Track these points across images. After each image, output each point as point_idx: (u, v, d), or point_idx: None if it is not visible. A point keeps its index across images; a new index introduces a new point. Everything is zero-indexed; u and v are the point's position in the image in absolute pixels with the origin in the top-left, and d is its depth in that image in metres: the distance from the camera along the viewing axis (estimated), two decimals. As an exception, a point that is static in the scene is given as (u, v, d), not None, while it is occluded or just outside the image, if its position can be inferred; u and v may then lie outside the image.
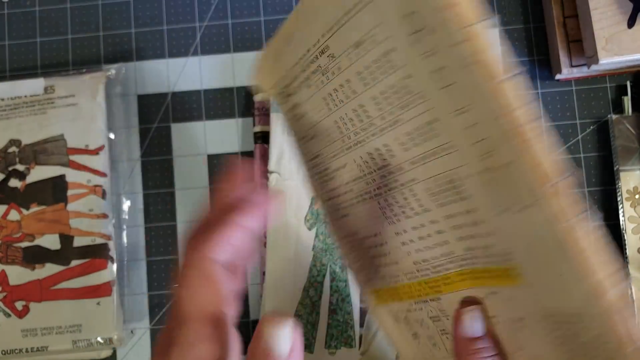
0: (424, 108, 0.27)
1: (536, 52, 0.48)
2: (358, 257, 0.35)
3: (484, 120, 0.25)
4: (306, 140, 0.34)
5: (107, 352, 0.45)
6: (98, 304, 0.44)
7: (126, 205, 0.47)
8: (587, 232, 0.24)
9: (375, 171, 0.31)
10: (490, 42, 0.24)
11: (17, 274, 0.44)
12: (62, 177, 0.45)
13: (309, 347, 0.45)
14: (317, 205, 0.36)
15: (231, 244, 0.27)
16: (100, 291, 0.44)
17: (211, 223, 0.27)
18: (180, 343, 0.25)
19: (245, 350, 0.27)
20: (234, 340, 0.26)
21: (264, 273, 0.45)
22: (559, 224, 0.24)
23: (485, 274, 0.29)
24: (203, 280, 0.26)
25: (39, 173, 0.45)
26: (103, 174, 0.45)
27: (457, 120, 0.26)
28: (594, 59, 0.42)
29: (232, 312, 0.27)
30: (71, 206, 0.45)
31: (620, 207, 0.44)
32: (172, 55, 0.49)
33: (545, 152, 0.24)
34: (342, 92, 0.30)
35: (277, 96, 0.35)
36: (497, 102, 0.24)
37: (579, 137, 0.47)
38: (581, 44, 0.44)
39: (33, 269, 0.44)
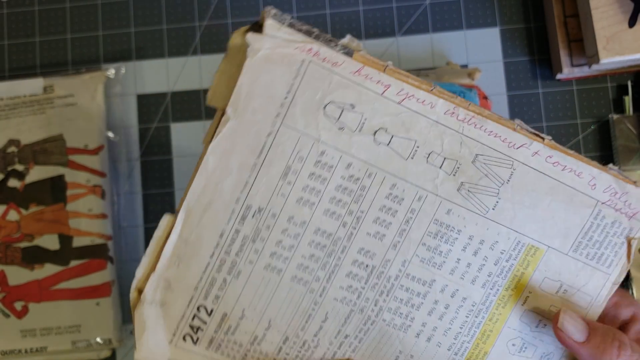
0: (378, 181, 0.28)
1: (537, 52, 0.47)
2: None
3: (435, 141, 0.28)
4: (259, 340, 0.30)
5: (106, 353, 0.45)
6: (97, 304, 0.44)
7: (125, 205, 0.47)
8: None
9: (363, 288, 0.29)
10: (400, 77, 0.28)
11: (16, 274, 0.44)
12: (61, 177, 0.45)
13: None
14: None
15: None
16: (99, 291, 0.44)
17: None
18: None
19: None
20: None
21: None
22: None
23: (516, 280, 0.30)
24: None
25: (38, 173, 0.45)
26: (102, 174, 0.45)
27: (414, 161, 0.28)
28: (594, 58, 0.41)
29: None
30: (70, 206, 0.45)
31: (621, 207, 0.44)
32: (172, 54, 0.49)
33: (494, 118, 0.29)
34: (288, 236, 0.29)
35: (188, 332, 0.30)
36: (439, 116, 0.28)
37: (580, 137, 0.47)
38: (582, 44, 0.44)
39: (32, 269, 0.44)
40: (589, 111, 0.47)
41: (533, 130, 0.29)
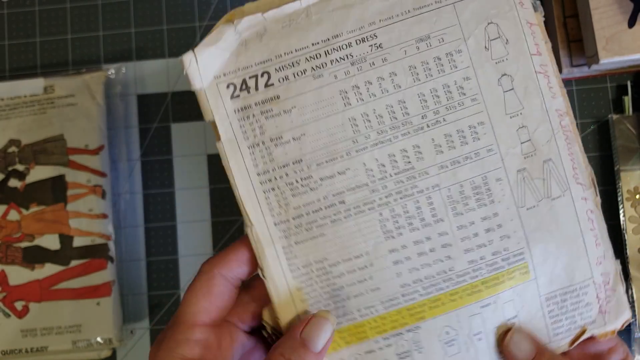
0: (475, 110, 0.29)
1: (536, 52, 0.48)
2: (314, 291, 0.30)
3: (534, 122, 0.30)
4: (280, 142, 0.29)
5: (106, 353, 0.45)
6: (98, 304, 0.44)
7: (126, 205, 0.47)
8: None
9: (391, 176, 0.29)
10: (550, 59, 0.30)
11: (17, 274, 0.44)
12: (61, 177, 0.45)
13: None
14: (255, 229, 0.29)
15: (243, 265, 0.30)
16: (99, 291, 0.44)
17: (231, 245, 0.30)
18: (169, 341, 0.28)
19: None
20: (226, 347, 0.29)
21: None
22: (580, 210, 0.30)
23: (493, 282, 0.30)
24: (205, 291, 0.29)
25: (39, 173, 0.45)
26: (103, 174, 0.45)
27: (510, 122, 0.30)
28: (594, 58, 0.41)
29: (234, 324, 0.30)
30: (71, 206, 0.45)
31: (620, 207, 0.44)
32: (172, 54, 0.49)
33: (580, 149, 0.30)
34: (379, 85, 0.29)
35: (237, 83, 0.29)
36: (551, 108, 0.30)
37: (579, 137, 0.47)
38: (582, 44, 0.44)
39: (33, 269, 0.44)
40: (589, 111, 0.47)
41: (595, 183, 0.31)
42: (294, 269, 0.30)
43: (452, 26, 0.29)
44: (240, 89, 0.29)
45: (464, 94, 0.29)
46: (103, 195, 0.45)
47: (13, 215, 0.45)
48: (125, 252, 0.47)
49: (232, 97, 0.29)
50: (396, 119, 0.29)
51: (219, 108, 0.29)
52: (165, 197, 0.48)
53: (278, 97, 0.29)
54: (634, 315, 0.43)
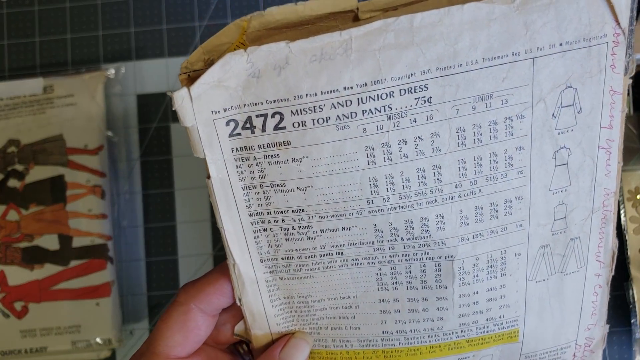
0: (518, 184, 0.25)
1: (537, 52, 0.47)
2: (292, 317, 0.29)
3: (576, 201, 0.26)
4: (282, 190, 0.25)
5: (106, 353, 0.45)
6: (97, 304, 0.44)
7: (125, 205, 0.47)
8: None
9: (402, 240, 0.26)
10: (620, 130, 0.25)
11: (16, 275, 0.44)
12: (61, 177, 0.45)
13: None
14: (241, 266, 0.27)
15: (222, 298, 0.28)
16: (99, 292, 0.44)
17: (209, 275, 0.28)
18: None
19: None
20: None
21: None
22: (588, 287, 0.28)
23: (479, 341, 0.29)
24: (180, 325, 0.27)
25: (38, 173, 0.45)
26: (102, 174, 0.45)
27: (550, 198, 0.26)
28: (595, 58, 0.41)
29: (211, 346, 0.29)
30: (70, 206, 0.45)
31: (621, 207, 0.44)
32: (172, 54, 0.49)
33: (614, 227, 0.27)
34: (415, 146, 0.24)
35: (239, 120, 0.24)
36: (599, 186, 0.26)
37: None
38: (582, 44, 0.44)
39: (32, 269, 0.44)
40: (590, 111, 0.47)
41: (615, 258, 0.28)
42: (274, 299, 0.28)
43: (523, 86, 0.23)
44: (243, 127, 0.24)
45: (511, 165, 0.25)
46: (102, 196, 0.45)
47: (12, 215, 0.45)
48: (124, 252, 0.47)
49: (230, 135, 0.24)
50: (425, 185, 0.25)
51: (213, 147, 0.25)
52: (165, 197, 0.48)
53: (288, 144, 0.24)
54: (634, 315, 0.43)
